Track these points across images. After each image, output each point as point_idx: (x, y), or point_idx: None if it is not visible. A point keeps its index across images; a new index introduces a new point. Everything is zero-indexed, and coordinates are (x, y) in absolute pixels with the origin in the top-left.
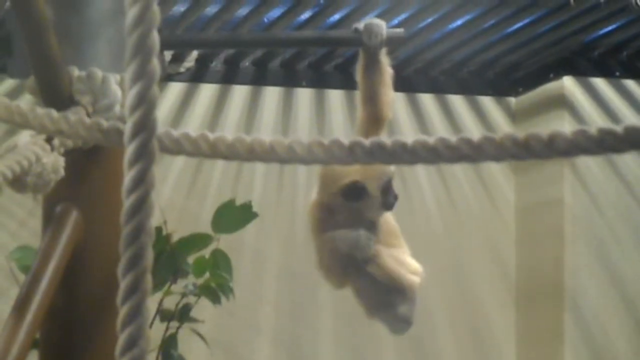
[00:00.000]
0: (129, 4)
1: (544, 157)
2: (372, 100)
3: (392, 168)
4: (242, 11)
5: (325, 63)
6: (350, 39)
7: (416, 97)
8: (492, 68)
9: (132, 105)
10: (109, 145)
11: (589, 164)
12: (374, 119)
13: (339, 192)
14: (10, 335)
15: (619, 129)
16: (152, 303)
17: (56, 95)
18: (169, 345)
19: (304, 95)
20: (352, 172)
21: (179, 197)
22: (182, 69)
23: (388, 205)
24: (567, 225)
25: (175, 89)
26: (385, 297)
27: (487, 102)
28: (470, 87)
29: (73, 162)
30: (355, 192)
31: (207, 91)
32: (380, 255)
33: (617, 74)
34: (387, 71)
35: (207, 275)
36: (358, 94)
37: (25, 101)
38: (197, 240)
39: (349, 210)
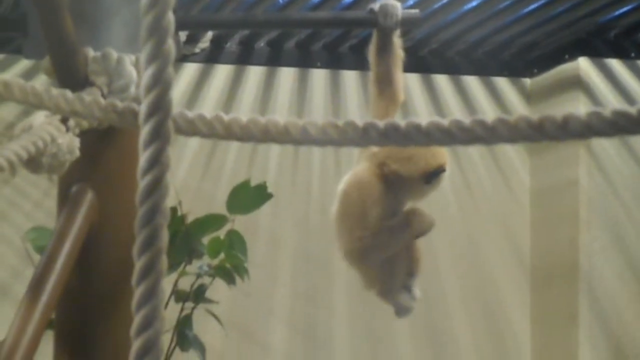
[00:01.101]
0: None
1: (558, 139)
2: (387, 82)
3: None
4: None
5: (340, 44)
6: (365, 19)
7: (431, 78)
8: (507, 49)
9: (147, 86)
10: (124, 126)
11: (604, 145)
12: (389, 101)
13: (423, 175)
14: (25, 315)
15: (632, 110)
16: (167, 284)
17: (71, 76)
18: (184, 326)
19: (319, 76)
20: (430, 155)
21: (194, 178)
22: (197, 50)
23: (435, 189)
24: (582, 207)
25: (190, 69)
26: (401, 279)
27: (502, 83)
28: (485, 68)
29: (88, 142)
30: (436, 175)
31: (222, 72)
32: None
33: (633, 55)
34: (400, 54)
35: (222, 256)
36: (371, 76)
37: (41, 82)
38: (212, 221)
39: (396, 184)
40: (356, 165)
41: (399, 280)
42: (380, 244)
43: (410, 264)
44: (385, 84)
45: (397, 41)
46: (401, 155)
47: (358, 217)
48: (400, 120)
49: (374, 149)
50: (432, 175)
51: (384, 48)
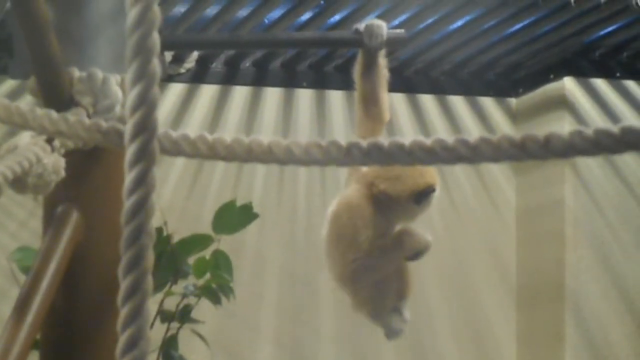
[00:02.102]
0: (130, 5)
1: (540, 158)
2: (372, 102)
3: None
4: (243, 12)
5: (326, 64)
6: (350, 39)
7: (417, 97)
8: (493, 69)
9: (132, 106)
10: (109, 146)
11: (589, 165)
12: (375, 121)
13: (411, 195)
14: (11, 335)
15: (615, 129)
16: (152, 304)
17: (57, 96)
18: (169, 346)
19: (305, 96)
20: (419, 175)
21: (180, 198)
22: (182, 70)
23: (424, 212)
24: (568, 226)
25: (176, 89)
26: (391, 301)
27: (488, 103)
28: (470, 88)
29: (73, 163)
30: (425, 196)
31: (208, 92)
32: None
33: (618, 74)
34: (385, 74)
35: (207, 276)
36: (356, 96)
37: (26, 102)
38: (197, 241)
39: (386, 205)
40: (345, 188)
41: (390, 302)
42: (372, 266)
43: (401, 286)
44: (370, 104)
45: (383, 61)
46: (389, 175)
47: (349, 239)
48: (383, 140)
49: (364, 169)
50: (422, 196)
51: (370, 68)
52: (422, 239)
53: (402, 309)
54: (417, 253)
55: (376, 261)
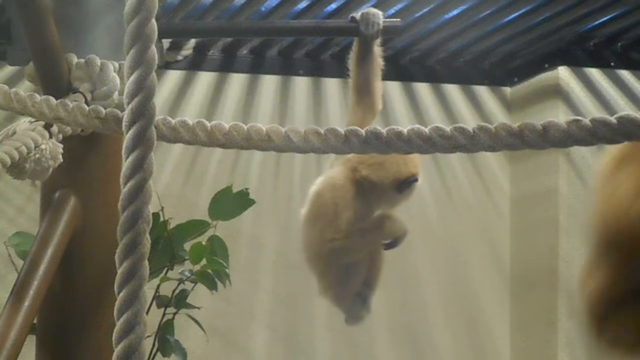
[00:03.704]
0: None
1: (538, 147)
2: (366, 91)
3: None
4: (240, 0)
5: (322, 52)
6: (347, 28)
7: (412, 86)
8: (488, 58)
9: (130, 92)
10: (107, 132)
11: (584, 154)
12: (367, 110)
13: (393, 183)
14: (8, 320)
15: (612, 119)
16: (148, 289)
17: (55, 82)
18: (165, 331)
19: (301, 84)
20: (403, 163)
21: (176, 184)
22: (179, 57)
23: (407, 199)
24: (561, 215)
25: (173, 76)
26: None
27: (483, 92)
28: (465, 77)
29: (71, 148)
30: (408, 185)
31: (205, 79)
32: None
33: (612, 64)
34: (380, 62)
35: (203, 261)
36: (350, 84)
37: (25, 88)
38: (193, 227)
39: (368, 189)
40: (330, 169)
41: (354, 288)
42: (349, 248)
43: (371, 275)
44: (363, 92)
45: (377, 50)
46: (373, 161)
47: (329, 219)
48: (381, 128)
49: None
50: (404, 185)
51: (364, 56)
52: (401, 225)
53: (368, 297)
54: (395, 240)
55: (353, 243)
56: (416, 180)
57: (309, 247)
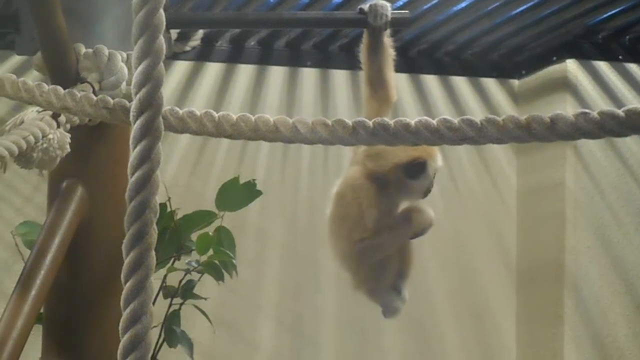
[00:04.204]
0: None
1: (545, 140)
2: (379, 83)
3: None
4: None
5: (330, 43)
6: (355, 19)
7: (420, 78)
8: (496, 50)
9: (138, 83)
10: (114, 123)
11: (591, 147)
12: (381, 101)
13: (400, 166)
14: (15, 309)
15: (620, 112)
16: (155, 279)
17: (63, 72)
18: (171, 322)
19: (309, 75)
20: (411, 149)
21: (184, 174)
22: (187, 48)
23: (428, 192)
24: (568, 207)
25: (181, 67)
26: (391, 280)
27: (491, 84)
28: (473, 69)
29: (79, 138)
30: (416, 169)
31: (213, 70)
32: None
33: (620, 57)
34: (391, 53)
35: (210, 252)
36: (362, 76)
37: (33, 78)
38: (200, 217)
39: (390, 185)
40: (349, 168)
41: (389, 281)
42: (379, 245)
43: (402, 265)
44: (377, 84)
45: (388, 41)
46: (373, 152)
47: (355, 219)
48: (389, 120)
49: (357, 150)
50: (412, 169)
51: (375, 48)
52: (429, 216)
53: (401, 288)
54: (422, 231)
55: (383, 240)
56: (424, 162)
57: (337, 248)
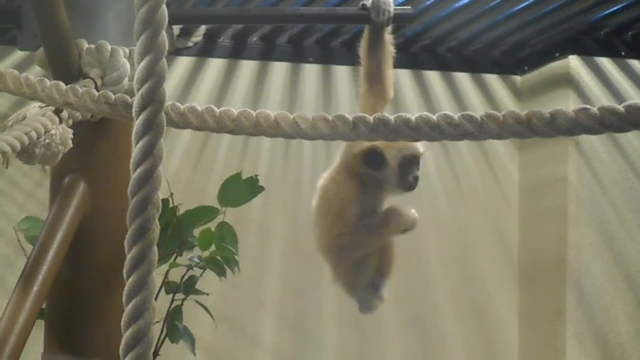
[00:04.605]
0: None
1: (546, 135)
2: (377, 79)
3: (420, 148)
4: None
5: (332, 39)
6: (357, 15)
7: (422, 74)
8: (498, 46)
9: (140, 78)
10: (117, 118)
11: (593, 142)
12: (378, 97)
13: (359, 156)
14: (17, 304)
15: (620, 108)
16: (157, 275)
17: (65, 67)
18: (174, 317)
19: (311, 71)
20: (377, 142)
21: (186, 170)
22: (190, 43)
23: (406, 185)
24: (570, 204)
25: (183, 62)
26: (370, 277)
27: (493, 80)
28: (476, 65)
29: (81, 134)
30: (374, 158)
31: (215, 65)
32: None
33: (623, 53)
34: (391, 50)
35: (212, 248)
36: (361, 71)
37: (35, 73)
38: (203, 213)
39: (366, 181)
40: (335, 162)
41: (367, 277)
42: (358, 242)
43: (383, 263)
44: (374, 80)
45: (388, 37)
46: (346, 149)
47: (336, 214)
48: (389, 115)
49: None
50: (369, 159)
51: (375, 44)
52: (409, 218)
53: (380, 286)
54: (404, 230)
55: (362, 237)
56: (379, 152)
57: (320, 240)
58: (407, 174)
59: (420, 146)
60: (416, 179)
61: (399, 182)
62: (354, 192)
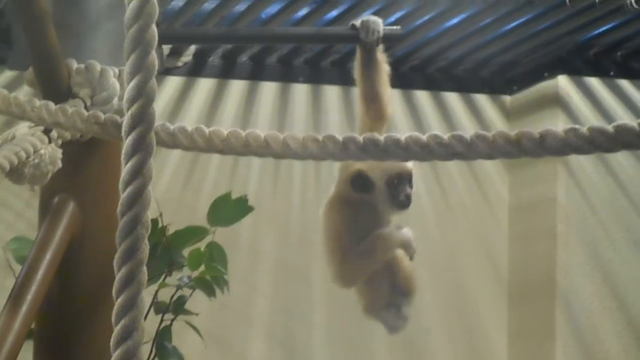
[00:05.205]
0: None
1: (535, 155)
2: (374, 99)
3: (409, 166)
4: (240, 7)
5: (322, 59)
6: (347, 35)
7: (412, 94)
8: (488, 66)
9: (130, 98)
10: (106, 138)
11: (582, 162)
12: (375, 118)
13: (347, 181)
14: (6, 325)
15: (609, 128)
16: (146, 295)
17: (55, 87)
18: (163, 338)
19: (301, 91)
20: (360, 163)
21: (175, 190)
22: (180, 63)
23: (398, 204)
24: (559, 223)
25: (173, 82)
26: (392, 297)
27: (482, 100)
28: (465, 85)
29: (71, 154)
30: (361, 181)
31: (205, 85)
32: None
33: (612, 73)
34: (385, 69)
35: (202, 267)
36: (357, 92)
37: (24, 93)
38: (192, 233)
39: (363, 204)
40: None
41: (383, 298)
42: (358, 268)
43: (399, 282)
44: (370, 100)
45: (381, 57)
46: (341, 173)
47: (334, 242)
48: (379, 135)
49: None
50: (355, 182)
51: (368, 64)
52: (396, 239)
53: (401, 305)
54: (406, 250)
55: (359, 264)
56: (364, 175)
57: (330, 267)
58: (398, 192)
59: (409, 164)
60: (408, 197)
61: (391, 201)
62: (347, 219)
